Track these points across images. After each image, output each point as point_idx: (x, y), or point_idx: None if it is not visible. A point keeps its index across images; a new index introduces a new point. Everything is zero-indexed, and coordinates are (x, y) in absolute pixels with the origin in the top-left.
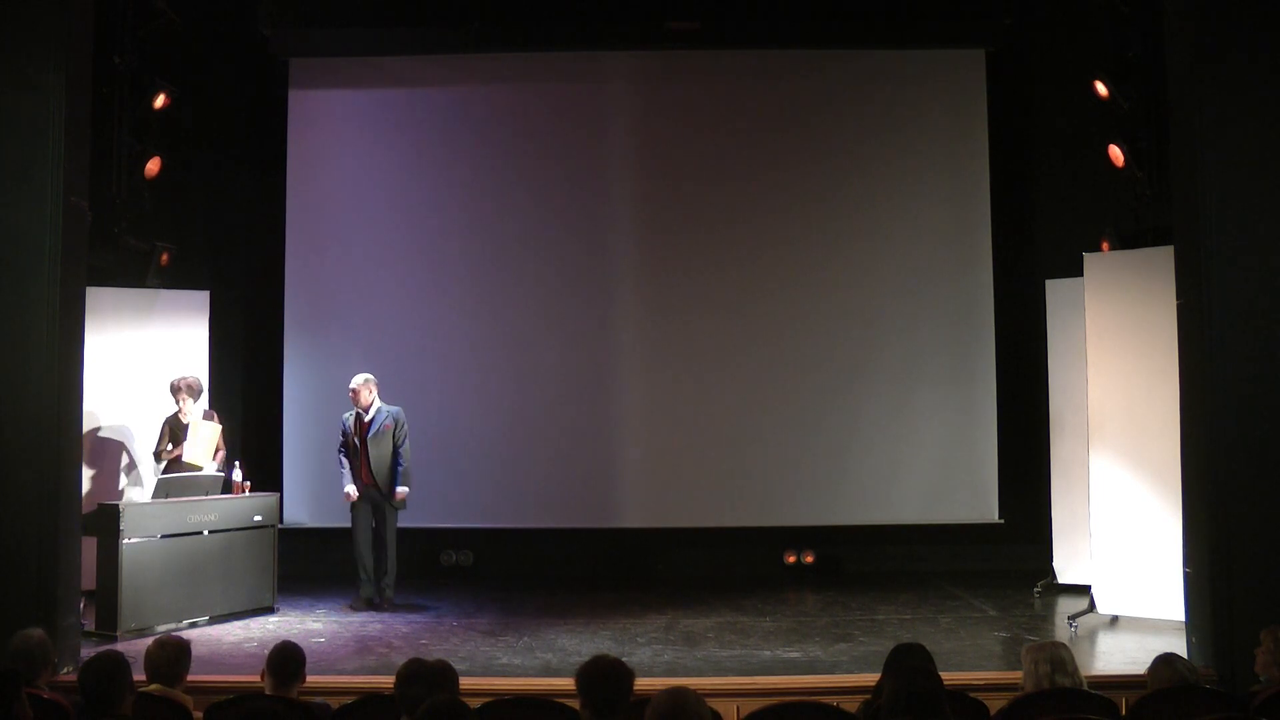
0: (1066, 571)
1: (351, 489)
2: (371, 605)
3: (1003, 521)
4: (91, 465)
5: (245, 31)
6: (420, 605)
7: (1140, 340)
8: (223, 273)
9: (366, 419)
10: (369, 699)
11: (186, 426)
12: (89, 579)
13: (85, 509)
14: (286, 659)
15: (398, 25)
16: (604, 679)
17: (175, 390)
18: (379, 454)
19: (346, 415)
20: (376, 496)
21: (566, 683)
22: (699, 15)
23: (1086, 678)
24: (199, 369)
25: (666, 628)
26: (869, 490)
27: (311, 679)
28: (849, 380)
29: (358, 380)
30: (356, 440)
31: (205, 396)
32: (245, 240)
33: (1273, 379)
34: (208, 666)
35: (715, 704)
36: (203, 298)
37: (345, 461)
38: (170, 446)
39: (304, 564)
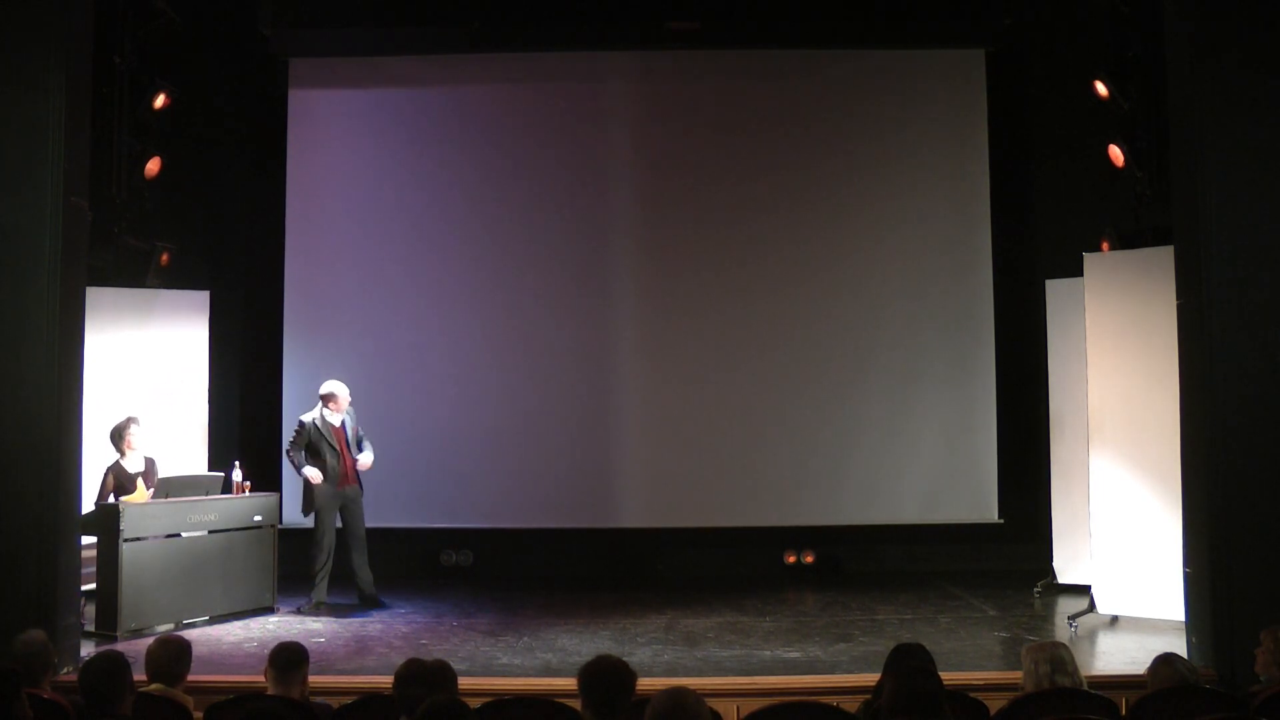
0: (1066, 571)
1: (315, 472)
2: (325, 609)
3: (1003, 521)
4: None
5: (245, 31)
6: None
7: (1140, 340)
8: (223, 273)
9: (338, 423)
10: (369, 699)
11: (134, 476)
12: (89, 579)
13: (84, 509)
14: (289, 654)
15: (398, 25)
16: (606, 680)
17: (120, 435)
18: (355, 454)
19: (313, 418)
20: (353, 494)
21: (566, 683)
22: (699, 15)
23: (1086, 678)
24: (199, 369)
25: (666, 628)
26: (869, 490)
27: (311, 679)
28: (849, 380)
29: (343, 388)
30: (335, 444)
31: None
32: (245, 240)
33: (1273, 379)
34: (208, 666)
35: (715, 704)
36: (203, 298)
37: (302, 458)
38: (113, 499)
39: (304, 564)
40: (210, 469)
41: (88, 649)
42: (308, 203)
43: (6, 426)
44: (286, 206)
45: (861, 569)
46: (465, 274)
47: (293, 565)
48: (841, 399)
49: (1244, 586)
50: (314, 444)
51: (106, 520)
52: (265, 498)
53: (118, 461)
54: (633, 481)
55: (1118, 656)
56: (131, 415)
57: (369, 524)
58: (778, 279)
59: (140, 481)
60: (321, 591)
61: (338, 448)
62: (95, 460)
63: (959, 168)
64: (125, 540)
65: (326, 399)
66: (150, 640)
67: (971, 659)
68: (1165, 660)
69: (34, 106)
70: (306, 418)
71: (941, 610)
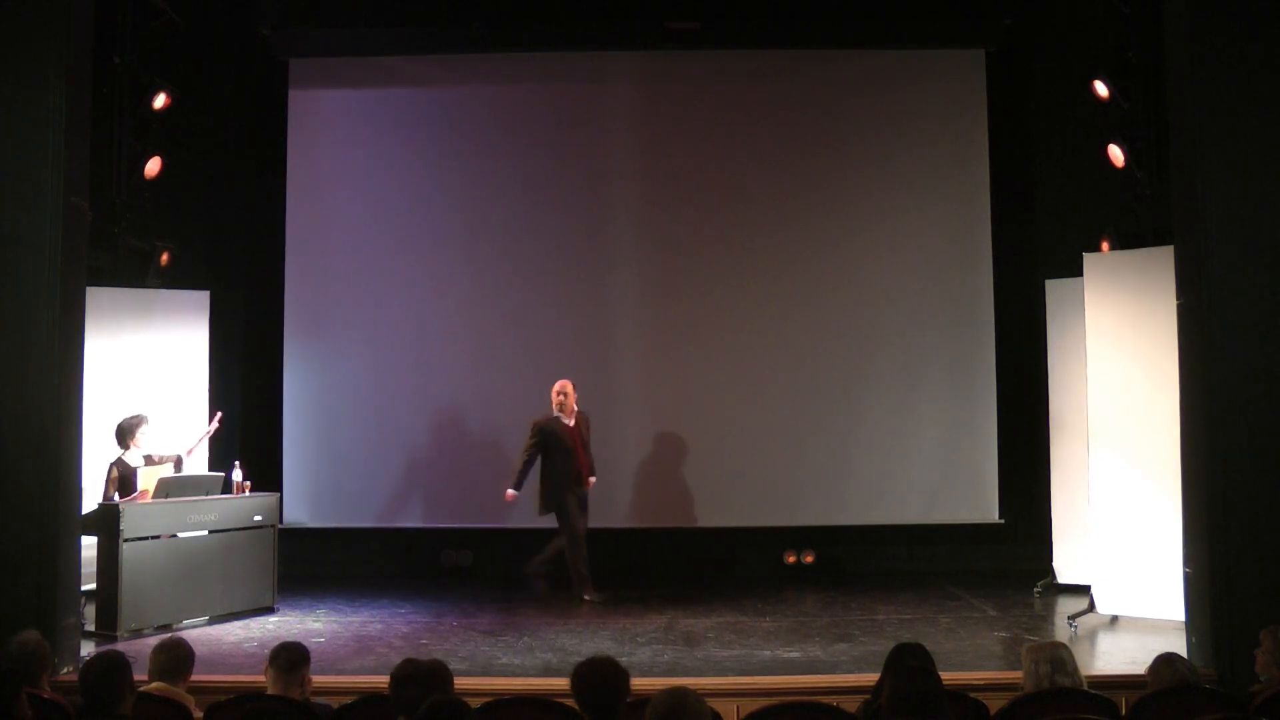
0: (1066, 571)
1: (513, 493)
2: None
3: (1003, 521)
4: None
5: (245, 31)
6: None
7: (1140, 340)
8: (223, 273)
9: (571, 424)
10: (369, 699)
11: (136, 470)
12: (89, 579)
13: (84, 509)
14: (289, 654)
15: (398, 25)
16: (596, 684)
17: (130, 431)
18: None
19: (546, 420)
20: (584, 496)
21: (566, 683)
22: (699, 15)
23: (1086, 678)
24: (199, 369)
25: (666, 628)
26: (869, 490)
27: (312, 679)
28: (849, 380)
29: (569, 389)
30: (570, 443)
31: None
32: (245, 240)
33: (1273, 379)
34: (208, 666)
35: (715, 704)
36: (203, 298)
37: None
38: (117, 495)
39: (304, 564)
40: (210, 469)
41: (88, 649)
42: (308, 203)
43: (7, 426)
44: (286, 206)
45: (862, 569)
46: (464, 274)
47: (293, 565)
48: (841, 399)
49: (1244, 586)
50: (548, 445)
51: (106, 520)
52: (265, 498)
53: (120, 457)
54: (633, 481)
55: (1118, 656)
56: (144, 414)
57: (369, 523)
58: (778, 280)
59: (147, 469)
60: (587, 582)
61: (571, 447)
62: (96, 461)
63: (959, 167)
64: (125, 540)
65: (557, 400)
66: (151, 640)
67: (971, 659)
68: (1166, 660)
69: (34, 106)
70: (541, 419)
71: (942, 610)
